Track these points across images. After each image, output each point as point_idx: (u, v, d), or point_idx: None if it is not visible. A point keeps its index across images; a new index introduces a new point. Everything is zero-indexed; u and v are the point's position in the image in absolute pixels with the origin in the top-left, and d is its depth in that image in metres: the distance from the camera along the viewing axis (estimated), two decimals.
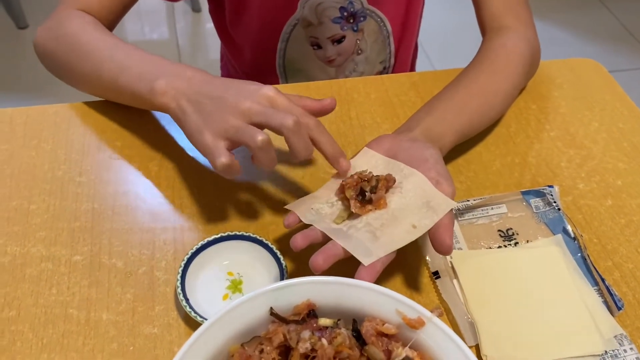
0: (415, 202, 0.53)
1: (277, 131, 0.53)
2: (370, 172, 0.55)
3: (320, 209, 0.55)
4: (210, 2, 0.89)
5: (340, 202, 0.55)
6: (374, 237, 0.51)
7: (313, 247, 0.53)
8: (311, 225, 0.52)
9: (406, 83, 0.76)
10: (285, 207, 0.55)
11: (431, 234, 0.51)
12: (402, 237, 0.51)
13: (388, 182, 0.54)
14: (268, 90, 0.55)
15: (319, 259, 0.48)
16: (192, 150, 0.66)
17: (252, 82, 0.57)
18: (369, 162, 0.57)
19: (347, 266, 0.57)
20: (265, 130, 0.54)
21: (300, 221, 0.53)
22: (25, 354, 0.50)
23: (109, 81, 0.63)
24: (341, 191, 0.55)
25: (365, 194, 0.53)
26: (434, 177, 0.54)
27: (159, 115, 0.70)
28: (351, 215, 0.54)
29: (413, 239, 0.51)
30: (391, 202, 0.54)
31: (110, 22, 0.71)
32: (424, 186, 0.54)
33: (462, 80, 0.67)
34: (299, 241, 0.50)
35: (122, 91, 0.63)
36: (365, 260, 0.49)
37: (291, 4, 0.81)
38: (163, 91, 0.58)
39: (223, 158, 0.52)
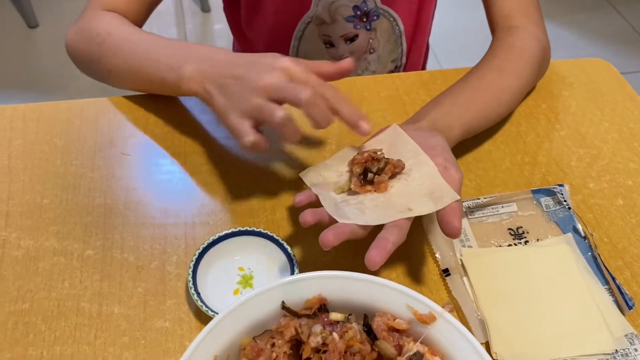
0: (418, 191, 0.53)
1: (295, 105, 0.54)
2: (382, 153, 0.55)
3: (327, 176, 0.56)
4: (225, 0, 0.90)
5: (347, 174, 0.56)
6: (361, 213, 0.51)
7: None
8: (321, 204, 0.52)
9: (416, 82, 0.76)
10: (300, 174, 0.57)
11: (439, 216, 0.51)
12: (393, 215, 0.51)
13: (395, 168, 0.54)
14: (284, 61, 0.56)
15: (329, 235, 0.48)
16: (203, 147, 0.67)
17: (272, 54, 0.57)
18: (390, 137, 0.58)
19: (358, 262, 0.57)
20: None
21: (309, 203, 0.53)
22: (38, 346, 0.50)
23: (142, 74, 0.65)
24: (351, 164, 0.56)
25: (368, 174, 0.54)
26: (442, 163, 0.54)
27: (171, 111, 0.70)
28: (350, 190, 0.54)
29: (404, 217, 0.51)
30: (392, 187, 0.54)
31: (137, 23, 0.73)
32: (432, 177, 0.54)
33: (471, 76, 0.67)
34: (308, 217, 0.51)
35: (155, 82, 0.65)
36: (339, 220, 0.49)
37: (305, 2, 0.82)
38: (190, 77, 0.59)
39: (249, 136, 0.54)
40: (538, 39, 0.72)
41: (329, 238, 0.48)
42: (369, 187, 0.54)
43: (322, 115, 0.53)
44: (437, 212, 0.51)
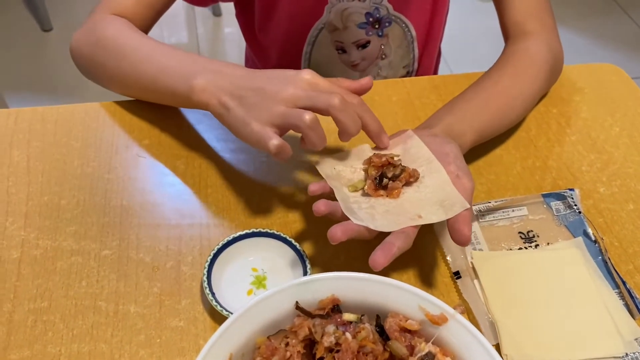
0: (429, 198, 0.54)
1: (325, 112, 0.53)
2: (399, 159, 0.56)
3: (341, 171, 0.57)
4: (237, 6, 0.91)
5: (362, 172, 0.57)
6: (372, 218, 0.52)
7: (333, 248, 0.54)
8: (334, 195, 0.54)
9: (427, 86, 0.77)
10: (315, 164, 0.58)
11: (450, 224, 0.52)
12: (403, 222, 0.52)
13: (410, 177, 0.55)
14: (307, 74, 0.56)
15: (338, 230, 0.49)
16: (218, 149, 0.68)
17: (290, 69, 0.58)
18: (404, 142, 0.59)
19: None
20: None
21: (322, 193, 0.55)
22: (57, 344, 0.51)
23: (148, 82, 0.65)
24: (367, 163, 0.56)
25: (383, 179, 0.54)
26: (454, 171, 0.55)
27: (186, 113, 0.71)
28: (363, 191, 0.55)
29: (413, 224, 0.52)
30: (404, 193, 0.55)
31: (145, 27, 0.73)
32: (444, 185, 0.54)
33: (484, 81, 0.68)
34: (321, 207, 0.52)
35: (161, 91, 0.64)
36: (352, 219, 0.50)
37: (318, 9, 0.82)
38: (202, 88, 0.58)
39: (275, 140, 0.53)
40: (550, 46, 0.72)
41: (337, 233, 0.49)
42: (381, 192, 0.55)
43: (352, 121, 0.54)
44: (448, 219, 0.52)
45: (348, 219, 0.51)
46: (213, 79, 0.58)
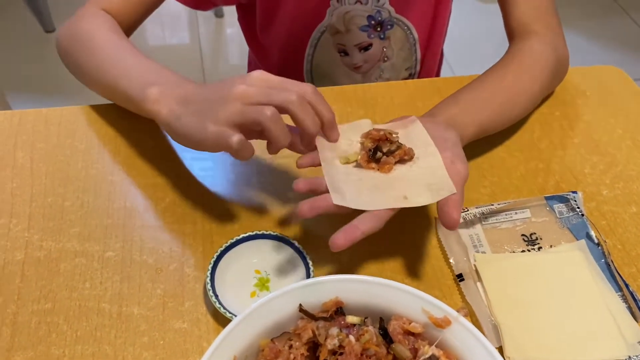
0: (419, 179, 0.54)
1: (282, 109, 0.52)
2: (397, 136, 0.56)
3: (340, 143, 0.57)
4: (239, 9, 0.91)
5: (358, 145, 0.57)
6: (357, 192, 0.52)
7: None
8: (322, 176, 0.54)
9: (430, 88, 0.77)
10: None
11: (439, 206, 0.52)
12: (386, 202, 0.52)
13: (405, 154, 0.55)
14: (256, 72, 0.54)
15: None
16: (223, 153, 0.68)
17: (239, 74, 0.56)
18: (406, 125, 0.59)
19: (374, 266, 0.58)
20: None
21: (312, 164, 0.55)
22: (60, 345, 0.52)
23: (110, 82, 0.64)
24: (364, 137, 0.57)
25: (377, 152, 0.55)
26: (449, 157, 0.55)
27: None
28: (354, 163, 0.56)
29: (397, 206, 0.52)
30: (395, 170, 0.55)
31: (131, 24, 0.73)
32: (436, 169, 0.55)
33: (488, 76, 0.69)
34: (300, 185, 0.52)
35: (118, 93, 0.63)
36: (334, 197, 0.51)
37: (320, 12, 0.82)
38: (155, 99, 0.57)
39: (235, 136, 0.51)
40: (555, 47, 0.72)
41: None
42: (373, 165, 0.55)
43: (311, 118, 0.52)
44: (438, 202, 0.52)
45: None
46: (168, 89, 0.57)
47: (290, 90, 0.52)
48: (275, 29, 0.86)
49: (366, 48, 0.87)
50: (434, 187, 0.53)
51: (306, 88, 0.53)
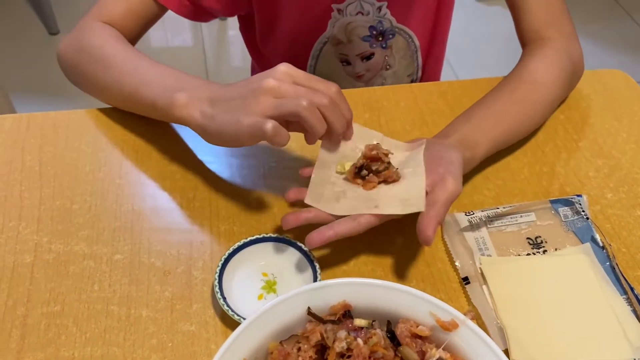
0: (396, 195, 0.56)
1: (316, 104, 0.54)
2: (389, 158, 0.58)
3: (344, 144, 0.59)
4: (241, 20, 0.91)
5: (359, 154, 0.59)
6: (335, 200, 0.56)
7: (343, 253, 0.54)
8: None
9: (435, 92, 0.78)
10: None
11: (417, 223, 0.53)
12: (359, 209, 0.55)
13: (389, 177, 0.57)
14: (283, 67, 0.55)
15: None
16: (229, 154, 0.68)
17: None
18: (411, 151, 0.60)
19: (381, 269, 0.58)
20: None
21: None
22: (70, 347, 0.52)
23: (130, 93, 0.65)
24: (365, 149, 0.59)
25: (362, 170, 0.57)
26: (441, 174, 0.55)
27: None
28: (345, 175, 0.59)
29: (368, 212, 0.54)
30: (378, 189, 0.58)
31: (133, 37, 0.73)
32: (414, 187, 0.56)
33: (502, 89, 0.68)
34: (291, 195, 0.56)
35: (142, 103, 0.64)
36: (308, 198, 0.55)
37: (321, 24, 0.83)
38: (184, 103, 0.58)
39: (269, 122, 0.52)
40: (569, 52, 0.72)
41: (289, 220, 0.54)
42: (359, 181, 0.58)
43: (338, 122, 0.55)
44: (418, 217, 0.53)
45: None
46: (195, 93, 0.58)
47: (322, 92, 0.54)
48: (276, 40, 0.86)
49: (368, 57, 0.88)
50: (407, 203, 0.55)
51: (333, 88, 0.55)
